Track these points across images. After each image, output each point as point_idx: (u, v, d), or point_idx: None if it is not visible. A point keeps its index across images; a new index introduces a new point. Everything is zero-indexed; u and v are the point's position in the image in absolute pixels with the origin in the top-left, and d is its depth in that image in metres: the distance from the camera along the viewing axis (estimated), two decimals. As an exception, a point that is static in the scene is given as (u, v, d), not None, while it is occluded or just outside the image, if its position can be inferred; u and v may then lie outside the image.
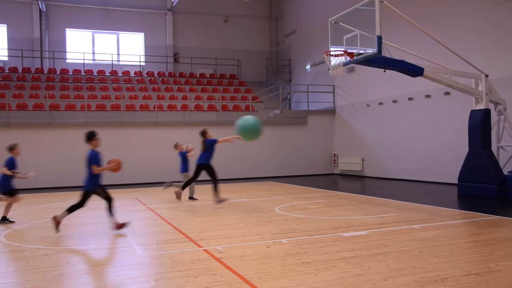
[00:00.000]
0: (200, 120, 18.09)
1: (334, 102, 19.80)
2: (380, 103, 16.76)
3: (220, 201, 9.83)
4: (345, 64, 10.34)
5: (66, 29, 22.18)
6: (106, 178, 17.11)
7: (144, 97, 19.20)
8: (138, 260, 5.42)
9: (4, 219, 8.28)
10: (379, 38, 9.26)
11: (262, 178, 17.50)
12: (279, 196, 11.48)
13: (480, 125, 10.61)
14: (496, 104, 11.12)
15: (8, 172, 8.36)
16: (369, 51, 9.62)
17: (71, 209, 7.09)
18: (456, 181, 11.40)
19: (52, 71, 20.78)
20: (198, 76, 22.97)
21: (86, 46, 22.56)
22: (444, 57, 11.45)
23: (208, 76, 23.20)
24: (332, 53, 10.28)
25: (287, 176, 18.07)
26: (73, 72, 21.12)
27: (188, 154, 11.37)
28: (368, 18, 9.59)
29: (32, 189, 15.11)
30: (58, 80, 20.01)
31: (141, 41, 23.36)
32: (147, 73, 22.21)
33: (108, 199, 7.26)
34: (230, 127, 18.19)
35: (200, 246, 5.96)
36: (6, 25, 21.14)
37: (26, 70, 20.49)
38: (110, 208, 7.20)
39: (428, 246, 5.74)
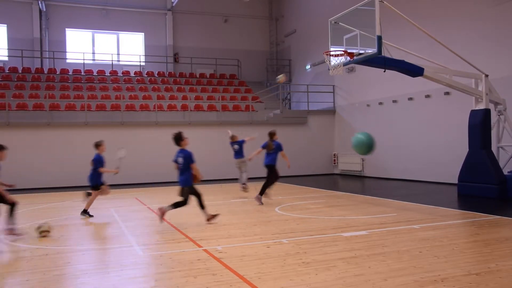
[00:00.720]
0: (200, 120, 18.10)
1: (334, 102, 19.80)
2: (380, 103, 16.76)
3: (259, 199, 10.09)
4: (345, 64, 10.34)
5: (66, 29, 22.18)
6: (107, 178, 17.07)
7: (144, 97, 19.20)
8: (138, 260, 5.42)
9: (85, 212, 8.78)
10: (379, 38, 9.25)
11: (262, 178, 17.46)
12: (279, 196, 11.48)
13: (480, 125, 10.61)
14: (496, 104, 11.12)
15: (107, 171, 9.10)
16: (369, 51, 9.62)
17: (176, 205, 7.58)
18: (456, 181, 11.40)
19: (52, 71, 20.78)
20: (198, 76, 22.98)
21: (86, 46, 22.55)
22: (444, 57, 11.45)
23: (208, 76, 23.20)
24: (332, 53, 10.28)
25: (287, 176, 18.07)
26: (73, 72, 21.12)
27: (248, 139, 12.26)
28: (368, 18, 9.59)
29: (32, 189, 15.12)
30: (58, 80, 20.01)
31: (141, 41, 23.36)
32: (147, 73, 22.21)
33: (197, 196, 7.77)
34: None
35: (200, 246, 5.96)
36: (6, 25, 21.14)
37: (26, 70, 20.49)
38: (201, 203, 7.82)
39: (428, 246, 5.74)
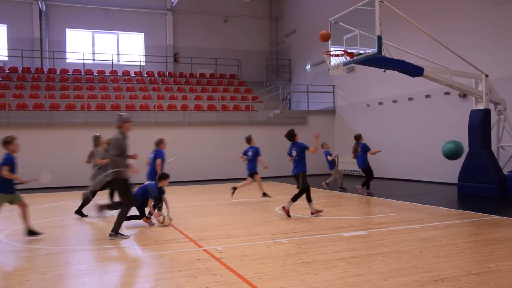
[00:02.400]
0: (200, 120, 18.09)
1: (334, 102, 19.80)
2: (380, 103, 16.76)
3: (369, 193, 11.14)
4: (345, 64, 10.34)
5: (66, 29, 22.18)
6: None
7: (144, 97, 19.20)
8: (138, 260, 5.42)
9: (265, 195, 9.88)
10: (379, 38, 9.25)
11: (262, 178, 17.46)
12: (279, 196, 11.48)
13: (480, 125, 10.61)
14: (496, 104, 11.12)
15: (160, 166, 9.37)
16: (369, 51, 9.62)
17: (295, 198, 8.28)
18: (456, 181, 11.40)
19: (52, 71, 20.78)
20: (198, 76, 22.97)
21: (86, 46, 22.55)
22: (444, 57, 11.45)
23: (208, 76, 23.20)
24: (332, 53, 10.27)
25: (287, 176, 18.06)
26: (73, 72, 21.12)
27: (329, 157, 12.33)
28: (368, 18, 9.59)
29: (32, 189, 15.09)
30: (58, 80, 20.01)
31: (141, 41, 23.36)
32: (147, 73, 22.21)
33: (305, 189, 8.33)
34: (230, 127, 18.29)
35: (200, 246, 5.96)
36: (6, 25, 21.13)
37: (26, 70, 20.48)
38: (308, 197, 8.35)
39: (428, 246, 5.74)
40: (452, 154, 11.01)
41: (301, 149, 8.28)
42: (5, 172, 6.42)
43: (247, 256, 5.39)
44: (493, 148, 10.94)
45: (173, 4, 23.14)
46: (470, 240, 6.14)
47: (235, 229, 7.19)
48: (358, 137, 11.62)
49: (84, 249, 6.09)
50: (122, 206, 6.91)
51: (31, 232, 6.79)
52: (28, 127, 15.82)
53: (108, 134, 16.41)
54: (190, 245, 6.08)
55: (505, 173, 10.56)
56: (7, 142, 6.69)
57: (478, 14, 12.74)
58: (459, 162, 11.35)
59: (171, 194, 12.75)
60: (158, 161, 9.27)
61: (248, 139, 11.45)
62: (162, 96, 19.55)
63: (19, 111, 16.53)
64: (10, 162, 6.51)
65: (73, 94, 18.49)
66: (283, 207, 8.36)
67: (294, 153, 8.35)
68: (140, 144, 16.91)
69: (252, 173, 11.04)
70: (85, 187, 15.51)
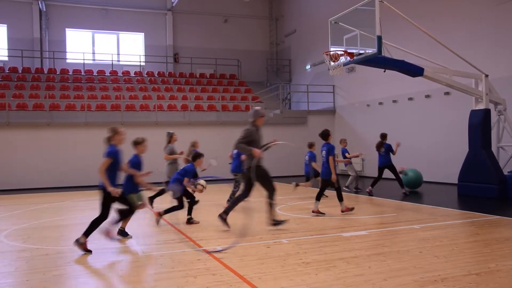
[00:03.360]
0: (200, 120, 18.09)
1: (334, 102, 19.80)
2: (380, 103, 16.75)
3: (404, 193, 11.16)
4: (345, 64, 10.34)
5: (66, 29, 22.19)
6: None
7: (144, 97, 19.20)
8: (138, 260, 5.42)
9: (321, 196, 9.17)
10: (379, 38, 9.26)
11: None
12: (279, 196, 11.45)
13: (480, 125, 10.61)
14: (496, 104, 11.11)
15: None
16: (369, 51, 9.62)
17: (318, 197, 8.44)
18: (456, 181, 11.40)
19: (52, 71, 20.78)
20: (198, 76, 22.97)
21: (86, 46, 22.56)
22: (444, 57, 11.45)
23: (208, 76, 23.20)
24: (332, 53, 10.27)
25: (287, 176, 18.07)
26: (73, 72, 21.13)
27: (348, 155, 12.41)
28: (368, 18, 9.59)
29: (32, 189, 15.12)
30: (58, 80, 20.01)
31: (141, 41, 23.36)
32: (147, 73, 22.21)
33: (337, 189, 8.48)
34: (230, 127, 18.27)
35: (200, 246, 5.96)
36: (6, 25, 21.14)
37: (26, 70, 20.49)
38: (339, 195, 8.51)
39: (428, 246, 5.74)
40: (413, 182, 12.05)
41: (327, 151, 8.43)
42: (128, 169, 6.56)
43: (247, 256, 5.39)
44: (493, 148, 10.94)
45: (173, 4, 23.14)
46: (470, 240, 6.13)
47: (235, 229, 7.18)
48: (384, 136, 11.75)
49: (84, 249, 6.08)
50: (271, 194, 7.07)
51: (124, 233, 6.72)
52: (28, 127, 15.82)
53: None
54: (190, 245, 6.08)
55: (505, 173, 10.56)
56: (138, 143, 6.78)
57: (478, 14, 12.74)
58: (459, 162, 11.35)
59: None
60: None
61: None
62: (162, 96, 19.56)
63: (19, 111, 16.53)
64: (137, 163, 6.64)
65: (73, 94, 18.49)
66: (313, 210, 8.51)
67: (323, 153, 8.50)
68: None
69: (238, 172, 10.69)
70: (85, 187, 15.57)
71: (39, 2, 21.12)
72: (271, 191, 7.00)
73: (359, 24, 10.00)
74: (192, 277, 4.57)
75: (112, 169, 5.79)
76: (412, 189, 12.09)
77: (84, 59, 21.82)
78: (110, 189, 5.67)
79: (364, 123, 17.64)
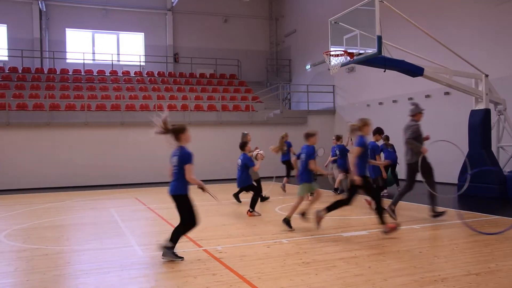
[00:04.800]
0: (200, 120, 18.09)
1: (334, 102, 19.79)
2: (380, 103, 16.75)
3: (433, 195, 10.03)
4: (345, 64, 10.34)
5: (66, 29, 22.18)
6: (104, 178, 17.04)
7: (144, 97, 19.20)
8: (138, 260, 5.42)
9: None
10: (379, 38, 9.26)
11: (262, 178, 17.46)
12: (279, 196, 11.48)
13: (480, 125, 10.61)
14: (496, 104, 11.12)
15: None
16: (369, 51, 9.62)
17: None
18: (456, 181, 11.39)
19: (52, 71, 20.78)
20: (198, 76, 22.97)
21: (86, 46, 22.55)
22: (444, 57, 11.45)
23: (208, 76, 23.20)
24: (332, 53, 10.28)
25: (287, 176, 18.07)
26: (73, 72, 21.12)
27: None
28: (368, 18, 9.59)
29: (32, 189, 15.12)
30: (58, 80, 20.01)
31: (141, 41, 23.36)
32: (147, 73, 22.21)
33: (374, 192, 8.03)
34: (230, 127, 18.27)
35: (200, 246, 5.96)
36: (6, 25, 21.13)
37: (26, 70, 20.48)
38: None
39: (428, 246, 5.74)
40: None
41: (374, 151, 8.71)
42: (312, 165, 6.89)
43: (247, 256, 5.39)
44: (493, 148, 10.93)
45: (173, 4, 23.14)
46: (470, 240, 6.13)
47: (235, 229, 7.18)
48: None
49: (84, 249, 6.09)
50: (406, 188, 7.51)
51: (288, 223, 6.92)
52: (28, 127, 15.82)
53: (108, 133, 16.47)
54: (190, 245, 6.08)
55: (505, 173, 10.56)
56: (311, 135, 7.21)
57: (478, 14, 12.73)
58: (459, 162, 11.34)
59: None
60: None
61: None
62: (162, 96, 19.55)
63: (19, 111, 16.53)
64: (314, 156, 6.97)
65: (73, 94, 18.49)
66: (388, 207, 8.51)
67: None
68: (140, 144, 16.94)
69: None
70: (85, 187, 15.57)
71: (39, 2, 21.12)
72: (432, 185, 7.52)
73: (359, 24, 10.00)
74: (192, 277, 4.57)
75: (362, 158, 6.29)
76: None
77: (84, 59, 21.81)
78: (355, 177, 6.24)
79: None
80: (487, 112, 10.66)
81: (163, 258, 5.24)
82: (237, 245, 5.99)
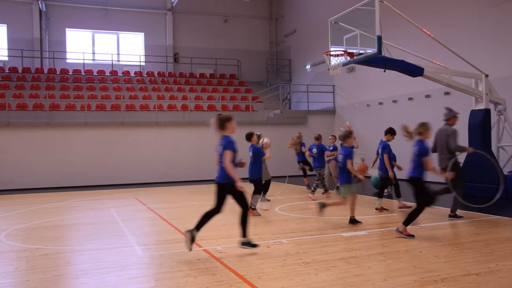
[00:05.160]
0: (200, 120, 18.07)
1: (334, 102, 19.79)
2: (380, 103, 16.75)
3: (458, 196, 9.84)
4: (345, 64, 10.34)
5: (66, 29, 22.18)
6: (104, 178, 17.03)
7: (144, 97, 19.20)
8: (138, 260, 5.42)
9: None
10: (379, 38, 9.25)
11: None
12: (279, 196, 11.47)
13: (480, 125, 10.60)
14: (496, 104, 11.11)
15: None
16: (369, 51, 9.61)
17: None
18: (456, 181, 11.38)
19: (52, 71, 20.78)
20: (198, 76, 22.97)
21: (86, 46, 22.55)
22: (444, 57, 11.45)
23: (208, 76, 23.20)
24: (332, 53, 10.27)
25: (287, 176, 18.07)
26: (73, 72, 21.12)
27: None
28: (368, 18, 9.59)
29: (32, 189, 15.12)
30: (58, 80, 20.01)
31: (141, 41, 23.36)
32: (147, 73, 22.21)
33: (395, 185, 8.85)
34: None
35: (200, 246, 5.96)
36: (6, 25, 21.13)
37: (26, 70, 20.48)
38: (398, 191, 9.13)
39: (428, 246, 5.74)
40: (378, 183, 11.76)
41: (382, 149, 9.06)
42: (350, 165, 7.14)
43: (247, 256, 5.39)
44: (493, 148, 10.93)
45: (173, 4, 23.14)
46: (470, 240, 6.13)
47: (235, 229, 7.17)
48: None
49: (84, 249, 6.09)
50: (459, 190, 7.62)
51: (354, 221, 7.24)
52: (28, 127, 15.82)
53: (108, 133, 16.46)
54: (190, 245, 6.07)
55: (505, 173, 10.55)
56: (348, 136, 7.39)
57: (478, 14, 12.73)
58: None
59: (171, 194, 12.76)
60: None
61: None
62: (162, 96, 19.56)
63: (19, 111, 16.53)
64: (351, 156, 7.21)
65: (73, 94, 18.49)
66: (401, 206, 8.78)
67: (379, 150, 9.08)
68: (141, 144, 16.94)
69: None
70: (85, 187, 15.57)
71: (39, 2, 21.12)
72: (460, 188, 7.68)
73: (359, 24, 10.00)
74: (192, 277, 4.57)
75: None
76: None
77: (84, 59, 21.81)
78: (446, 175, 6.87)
79: (364, 123, 17.62)
80: (487, 112, 10.66)
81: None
82: (237, 245, 5.99)
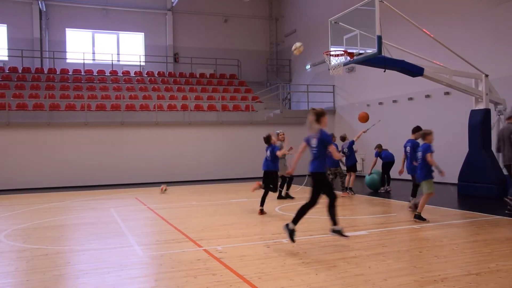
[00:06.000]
0: (200, 120, 18.09)
1: (334, 102, 19.79)
2: (380, 103, 16.75)
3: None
4: (345, 64, 10.34)
5: (66, 29, 22.18)
6: (104, 178, 17.01)
7: (144, 97, 19.20)
8: (138, 260, 5.42)
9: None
10: (379, 38, 9.26)
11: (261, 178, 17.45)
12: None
13: (480, 125, 10.61)
14: (496, 104, 11.12)
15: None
16: (369, 51, 9.62)
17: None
18: (456, 181, 11.40)
19: (52, 71, 20.78)
20: (198, 76, 22.97)
21: (86, 46, 22.55)
22: (444, 57, 11.45)
23: (208, 76, 23.20)
24: (332, 53, 10.27)
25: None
26: (73, 72, 21.12)
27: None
28: (368, 18, 9.59)
29: (32, 189, 15.12)
30: (58, 80, 20.01)
31: (141, 41, 23.36)
32: (147, 73, 22.21)
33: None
34: (230, 127, 18.28)
35: (200, 246, 5.96)
36: (6, 25, 21.13)
37: (26, 70, 20.48)
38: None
39: (428, 246, 5.74)
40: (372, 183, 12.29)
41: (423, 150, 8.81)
42: (430, 158, 7.33)
43: (247, 256, 5.39)
44: (493, 148, 10.92)
45: (173, 4, 23.14)
46: (470, 240, 6.13)
47: (235, 229, 7.18)
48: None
49: (84, 249, 6.09)
50: None
51: (420, 217, 7.44)
52: (28, 127, 15.82)
53: (108, 133, 16.46)
54: (190, 245, 6.08)
55: (505, 173, 10.55)
56: (428, 134, 7.59)
57: (478, 14, 12.73)
58: (459, 162, 11.35)
59: (171, 194, 12.76)
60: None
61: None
62: (162, 96, 19.56)
63: (19, 111, 16.53)
64: (431, 149, 7.40)
65: (73, 94, 18.49)
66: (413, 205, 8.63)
67: (408, 149, 9.09)
68: (141, 144, 16.94)
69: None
70: (85, 187, 15.57)
71: (39, 2, 21.12)
72: None
73: (359, 24, 10.00)
74: (192, 277, 4.57)
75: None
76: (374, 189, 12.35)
77: (84, 59, 21.81)
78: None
79: (364, 123, 17.60)
80: (487, 112, 10.66)
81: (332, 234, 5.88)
82: (237, 245, 5.99)
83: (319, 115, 6.01)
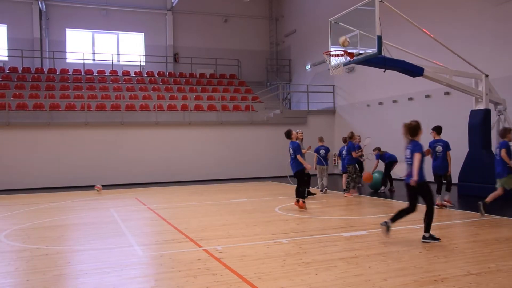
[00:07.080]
0: (200, 120, 18.09)
1: (334, 102, 19.79)
2: (380, 103, 16.75)
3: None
4: (345, 64, 10.34)
5: (66, 29, 22.19)
6: (104, 178, 17.03)
7: (144, 97, 19.20)
8: (138, 260, 5.42)
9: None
10: (379, 38, 9.25)
11: (262, 178, 17.49)
12: (279, 196, 11.48)
13: (480, 125, 10.61)
14: (496, 104, 11.11)
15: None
16: (369, 51, 9.61)
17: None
18: (456, 181, 11.39)
19: (52, 71, 20.78)
20: (198, 76, 22.97)
21: (86, 46, 22.55)
22: (444, 57, 11.45)
23: (208, 76, 23.20)
24: (332, 53, 10.27)
25: (287, 176, 18.08)
26: (73, 72, 21.12)
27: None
28: (368, 18, 9.59)
29: (32, 189, 15.12)
30: (58, 80, 20.01)
31: (141, 41, 23.36)
32: (147, 73, 22.21)
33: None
34: (230, 127, 18.28)
35: (200, 246, 5.96)
36: (6, 25, 21.13)
37: (26, 70, 20.48)
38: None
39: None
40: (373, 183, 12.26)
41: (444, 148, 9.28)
42: (504, 154, 7.63)
43: (247, 256, 5.39)
44: (493, 148, 10.92)
45: (173, 4, 23.13)
46: (470, 240, 6.14)
47: (235, 229, 7.18)
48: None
49: (84, 249, 6.09)
50: None
51: (486, 206, 7.78)
52: (28, 127, 15.82)
53: (108, 133, 16.46)
54: (190, 245, 6.08)
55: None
56: (508, 131, 7.83)
57: (478, 14, 12.73)
58: (459, 162, 11.34)
59: (172, 194, 12.77)
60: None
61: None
62: (162, 96, 19.56)
63: (19, 111, 16.53)
64: (507, 146, 7.63)
65: (73, 94, 18.49)
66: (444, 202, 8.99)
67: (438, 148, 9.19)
68: (141, 144, 16.94)
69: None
70: (85, 187, 15.56)
71: (39, 2, 21.12)
72: None
73: (359, 24, 10.00)
74: (192, 277, 4.57)
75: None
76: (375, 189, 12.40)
77: (84, 59, 21.81)
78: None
79: (364, 123, 17.62)
80: (487, 112, 10.66)
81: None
82: (237, 245, 6.00)
83: (416, 129, 6.73)
